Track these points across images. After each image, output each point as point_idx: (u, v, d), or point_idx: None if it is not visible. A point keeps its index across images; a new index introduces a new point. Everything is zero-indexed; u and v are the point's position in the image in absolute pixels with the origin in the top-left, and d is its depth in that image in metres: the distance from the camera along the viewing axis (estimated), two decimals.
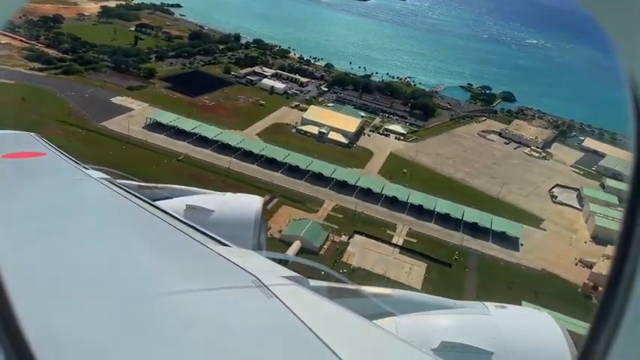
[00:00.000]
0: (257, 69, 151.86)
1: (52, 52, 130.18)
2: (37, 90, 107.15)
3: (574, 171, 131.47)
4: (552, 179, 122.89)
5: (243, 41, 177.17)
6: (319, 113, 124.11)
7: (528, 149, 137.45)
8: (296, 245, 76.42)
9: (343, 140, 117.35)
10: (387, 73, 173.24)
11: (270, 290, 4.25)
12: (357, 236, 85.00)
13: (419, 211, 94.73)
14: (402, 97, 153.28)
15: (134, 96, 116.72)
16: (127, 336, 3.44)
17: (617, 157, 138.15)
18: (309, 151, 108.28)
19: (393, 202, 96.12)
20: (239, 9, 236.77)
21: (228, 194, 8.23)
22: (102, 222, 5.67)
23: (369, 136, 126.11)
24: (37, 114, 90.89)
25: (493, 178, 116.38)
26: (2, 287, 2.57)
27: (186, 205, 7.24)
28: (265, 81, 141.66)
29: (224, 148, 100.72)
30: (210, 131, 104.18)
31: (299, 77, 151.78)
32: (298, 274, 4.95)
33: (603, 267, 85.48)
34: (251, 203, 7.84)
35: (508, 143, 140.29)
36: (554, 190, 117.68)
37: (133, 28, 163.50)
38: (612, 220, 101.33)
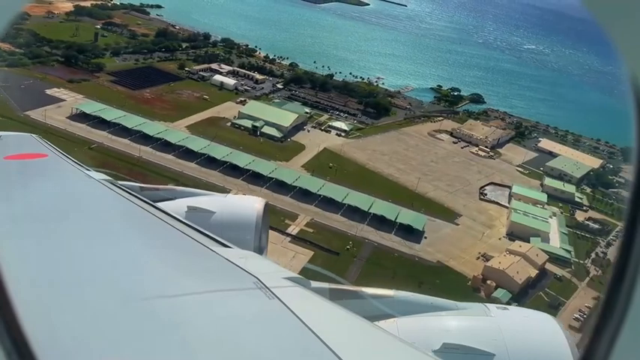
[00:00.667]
0: (214, 66, 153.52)
1: (5, 46, 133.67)
2: None
3: (519, 170, 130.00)
4: (490, 178, 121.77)
5: (212, 40, 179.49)
6: (258, 108, 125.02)
7: (476, 148, 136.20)
8: None
9: (277, 134, 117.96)
10: (351, 73, 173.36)
11: (271, 291, 4.24)
12: None
13: (328, 203, 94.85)
14: (358, 96, 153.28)
15: (72, 88, 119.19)
16: (128, 336, 3.46)
17: (569, 158, 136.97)
18: (236, 144, 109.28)
19: (305, 194, 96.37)
20: (229, 12, 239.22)
21: (230, 196, 8.36)
22: (104, 223, 5.73)
23: (308, 131, 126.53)
24: None
25: (425, 175, 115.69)
26: (4, 287, 2.58)
27: (188, 206, 7.28)
28: (216, 77, 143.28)
29: (144, 138, 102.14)
30: (132, 121, 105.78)
31: (255, 74, 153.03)
32: (299, 276, 4.97)
33: (502, 261, 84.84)
34: (252, 205, 7.81)
35: (456, 142, 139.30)
36: (486, 187, 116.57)
37: (99, 26, 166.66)
38: (529, 216, 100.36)
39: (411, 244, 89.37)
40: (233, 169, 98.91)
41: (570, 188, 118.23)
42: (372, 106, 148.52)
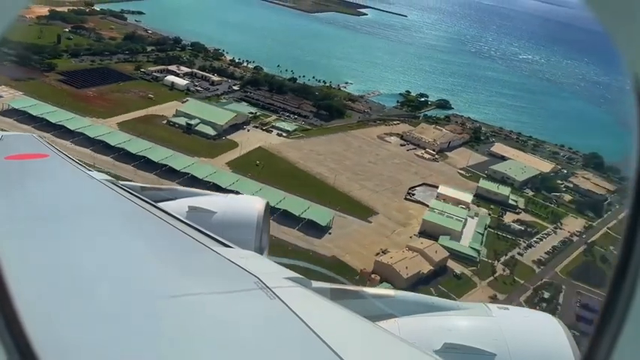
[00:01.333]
0: (173, 67, 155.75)
1: None
2: None
3: (460, 173, 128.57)
4: (426, 179, 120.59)
5: (182, 44, 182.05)
6: (197, 107, 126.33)
7: (422, 151, 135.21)
8: None
9: (210, 132, 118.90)
10: (314, 77, 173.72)
11: (272, 292, 4.27)
12: None
13: None
14: (314, 99, 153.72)
15: (15, 86, 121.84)
16: (129, 337, 3.49)
17: (517, 162, 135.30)
18: (165, 141, 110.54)
19: (216, 189, 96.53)
20: (216, 20, 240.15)
21: (231, 196, 8.42)
22: (105, 223, 5.81)
23: (248, 131, 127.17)
24: None
25: (355, 175, 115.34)
26: (5, 287, 2.59)
27: (189, 206, 7.36)
28: (168, 77, 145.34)
29: (66, 133, 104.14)
30: (57, 117, 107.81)
31: (212, 76, 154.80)
32: (300, 276, 4.99)
33: (394, 257, 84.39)
34: (253, 205, 7.87)
35: (404, 145, 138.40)
36: (417, 188, 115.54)
37: (68, 29, 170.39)
38: (444, 215, 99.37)
39: (311, 239, 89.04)
40: (147, 164, 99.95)
41: (504, 191, 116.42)
42: (325, 108, 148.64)
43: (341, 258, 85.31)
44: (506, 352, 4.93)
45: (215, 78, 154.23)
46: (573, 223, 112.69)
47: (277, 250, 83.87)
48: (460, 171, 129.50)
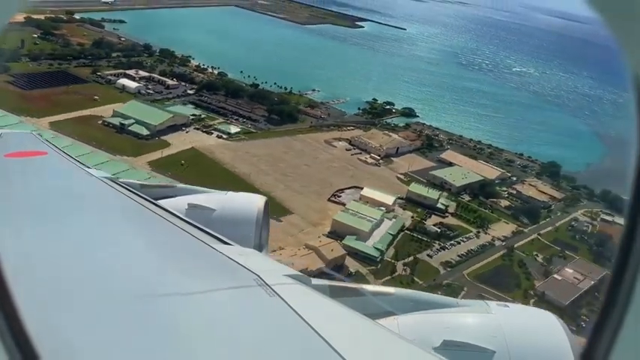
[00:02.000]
0: (131, 72, 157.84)
1: None
2: None
3: (399, 178, 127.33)
4: (362, 183, 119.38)
5: (152, 50, 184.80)
6: (135, 108, 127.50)
7: (367, 156, 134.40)
8: None
9: (143, 132, 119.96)
10: (275, 83, 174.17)
11: (272, 289, 4.29)
12: None
13: None
14: (269, 104, 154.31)
15: None
16: (129, 335, 3.50)
17: (462, 168, 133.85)
18: (94, 140, 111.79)
19: None
20: (204, 30, 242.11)
21: (230, 193, 8.41)
22: (104, 221, 5.83)
23: (187, 132, 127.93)
24: None
25: (284, 176, 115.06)
26: (5, 286, 2.59)
27: (188, 203, 7.37)
28: (120, 80, 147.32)
29: None
30: None
31: (167, 80, 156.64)
32: (300, 273, 5.06)
33: (285, 254, 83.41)
34: (253, 202, 7.92)
35: (350, 150, 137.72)
36: (345, 190, 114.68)
37: (37, 35, 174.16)
38: (356, 216, 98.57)
39: None
40: None
41: (433, 194, 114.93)
42: (278, 113, 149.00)
43: None
44: (505, 350, 4.88)
45: (171, 82, 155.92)
46: (502, 228, 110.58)
47: None
48: (400, 175, 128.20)
